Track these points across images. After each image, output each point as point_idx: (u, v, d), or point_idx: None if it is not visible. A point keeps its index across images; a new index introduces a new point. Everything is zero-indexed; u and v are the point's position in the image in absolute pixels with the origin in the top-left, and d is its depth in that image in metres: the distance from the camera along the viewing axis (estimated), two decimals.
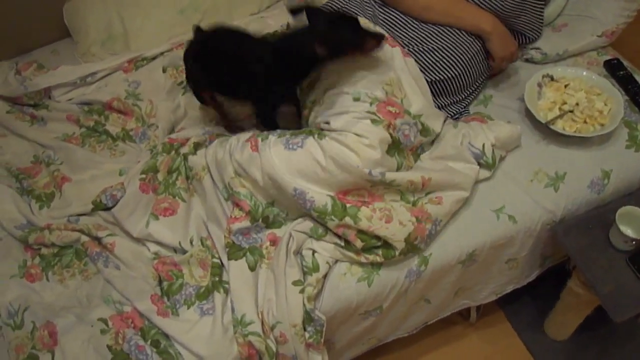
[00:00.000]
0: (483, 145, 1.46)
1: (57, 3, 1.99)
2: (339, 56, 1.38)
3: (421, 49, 1.53)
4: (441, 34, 1.55)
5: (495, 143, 1.48)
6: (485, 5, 1.54)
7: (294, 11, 1.36)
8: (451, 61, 1.54)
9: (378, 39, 1.36)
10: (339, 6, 1.61)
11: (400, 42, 1.52)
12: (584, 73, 1.63)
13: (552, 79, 1.62)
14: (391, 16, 1.54)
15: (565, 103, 1.57)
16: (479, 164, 1.48)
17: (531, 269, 1.64)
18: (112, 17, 1.92)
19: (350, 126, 1.33)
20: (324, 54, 1.33)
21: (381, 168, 1.33)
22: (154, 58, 1.83)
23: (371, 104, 1.37)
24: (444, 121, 1.54)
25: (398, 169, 1.39)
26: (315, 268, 1.35)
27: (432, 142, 1.52)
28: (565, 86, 1.60)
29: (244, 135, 1.41)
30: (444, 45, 1.54)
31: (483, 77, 1.66)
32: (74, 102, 1.77)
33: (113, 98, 1.71)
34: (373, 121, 1.34)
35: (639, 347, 1.75)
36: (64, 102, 1.78)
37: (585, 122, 1.54)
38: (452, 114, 1.61)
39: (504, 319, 1.83)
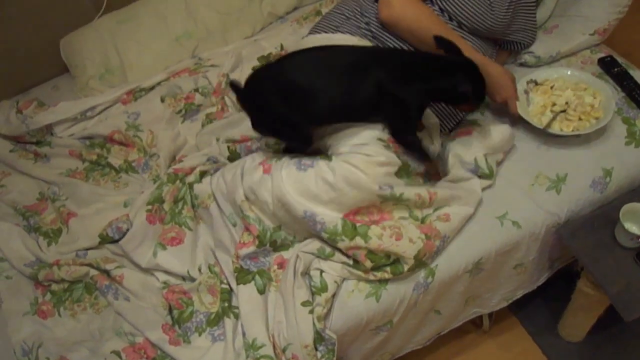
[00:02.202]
0: (475, 159, 1.46)
1: (54, 39, 2.02)
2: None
3: None
4: None
5: (487, 152, 1.48)
6: (478, 26, 1.54)
7: (440, 42, 1.36)
8: None
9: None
10: (333, 26, 1.61)
11: None
12: (568, 72, 1.64)
13: (536, 83, 1.62)
14: (387, 38, 1.54)
15: (555, 104, 1.57)
16: (478, 176, 1.48)
17: (540, 273, 1.63)
18: (108, 50, 1.95)
19: (360, 148, 1.34)
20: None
21: (390, 184, 1.35)
22: (151, 88, 1.86)
23: (383, 129, 1.38)
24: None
25: None
26: (324, 288, 1.35)
27: None
28: (551, 87, 1.60)
29: (258, 157, 1.42)
30: None
31: None
32: (76, 137, 1.79)
33: (114, 131, 1.74)
34: (384, 146, 1.36)
35: None
36: (65, 138, 1.80)
37: (580, 119, 1.53)
38: (450, 126, 1.62)
39: (517, 324, 1.82)
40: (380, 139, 1.36)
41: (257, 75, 1.39)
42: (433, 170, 1.50)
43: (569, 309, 1.67)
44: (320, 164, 1.34)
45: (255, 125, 1.40)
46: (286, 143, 1.46)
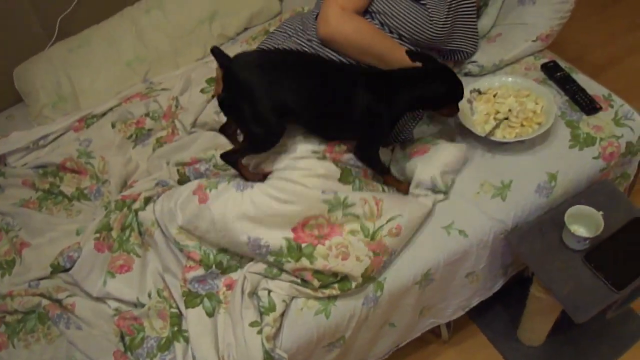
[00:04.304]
0: (432, 178, 1.47)
1: (7, 69, 2.02)
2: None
3: None
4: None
5: (443, 169, 1.49)
6: (418, 37, 1.56)
7: (413, 55, 1.42)
8: None
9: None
10: (275, 44, 1.63)
11: None
12: (510, 79, 1.66)
13: (479, 92, 1.64)
14: (328, 54, 1.56)
15: (498, 112, 1.59)
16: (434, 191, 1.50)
17: (494, 280, 1.63)
18: (60, 78, 1.95)
19: (296, 163, 1.36)
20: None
21: (333, 189, 1.36)
22: (103, 114, 1.85)
23: (320, 143, 1.40)
24: (392, 150, 1.57)
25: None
26: (272, 307, 1.35)
27: None
28: (494, 96, 1.62)
29: (191, 186, 1.43)
30: None
31: None
32: (29, 167, 1.78)
33: (66, 158, 1.73)
34: (319, 159, 1.38)
35: (613, 344, 1.75)
36: (19, 168, 1.79)
37: (522, 125, 1.55)
38: (399, 139, 1.63)
39: (477, 331, 1.82)
40: (315, 152, 1.38)
41: (248, 57, 1.35)
42: (394, 183, 1.52)
43: (525, 314, 1.67)
44: (257, 184, 1.35)
45: (223, 103, 1.33)
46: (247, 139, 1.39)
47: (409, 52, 1.41)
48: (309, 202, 1.34)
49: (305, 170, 1.34)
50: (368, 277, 1.37)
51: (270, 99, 1.27)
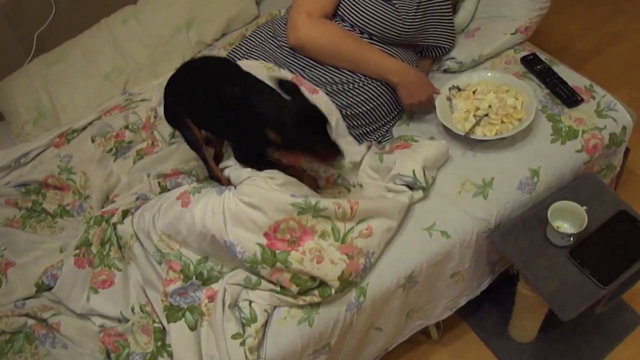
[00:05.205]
0: (413, 172, 1.45)
1: None
2: (292, 150, 1.31)
3: (331, 89, 1.54)
4: (348, 72, 1.55)
5: (425, 165, 1.47)
6: (387, 33, 1.54)
7: (283, 85, 1.27)
8: (362, 97, 1.55)
9: (335, 152, 1.29)
10: (244, 51, 1.62)
11: (310, 83, 1.53)
12: (489, 74, 1.63)
13: (458, 89, 1.62)
14: (299, 59, 1.55)
15: (478, 109, 1.56)
16: (412, 189, 1.47)
17: (481, 278, 1.62)
18: (40, 95, 1.94)
19: (257, 172, 1.35)
20: (277, 142, 1.25)
21: (303, 194, 1.35)
22: (83, 129, 1.84)
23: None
24: (369, 147, 1.54)
25: None
26: (254, 318, 1.34)
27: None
28: (474, 92, 1.60)
29: (176, 192, 1.42)
30: (352, 84, 1.55)
31: (400, 105, 1.66)
32: (12, 185, 1.77)
33: (48, 175, 1.72)
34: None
35: (605, 337, 1.73)
36: (2, 187, 1.78)
37: (502, 122, 1.53)
38: (376, 138, 1.61)
39: (468, 330, 1.80)
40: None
41: (176, 71, 1.46)
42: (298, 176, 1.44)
43: (514, 312, 1.66)
44: (232, 189, 1.36)
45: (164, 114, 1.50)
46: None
47: (278, 80, 1.27)
48: (277, 205, 1.32)
49: (269, 178, 1.34)
50: (346, 282, 1.35)
51: (174, 111, 1.46)
